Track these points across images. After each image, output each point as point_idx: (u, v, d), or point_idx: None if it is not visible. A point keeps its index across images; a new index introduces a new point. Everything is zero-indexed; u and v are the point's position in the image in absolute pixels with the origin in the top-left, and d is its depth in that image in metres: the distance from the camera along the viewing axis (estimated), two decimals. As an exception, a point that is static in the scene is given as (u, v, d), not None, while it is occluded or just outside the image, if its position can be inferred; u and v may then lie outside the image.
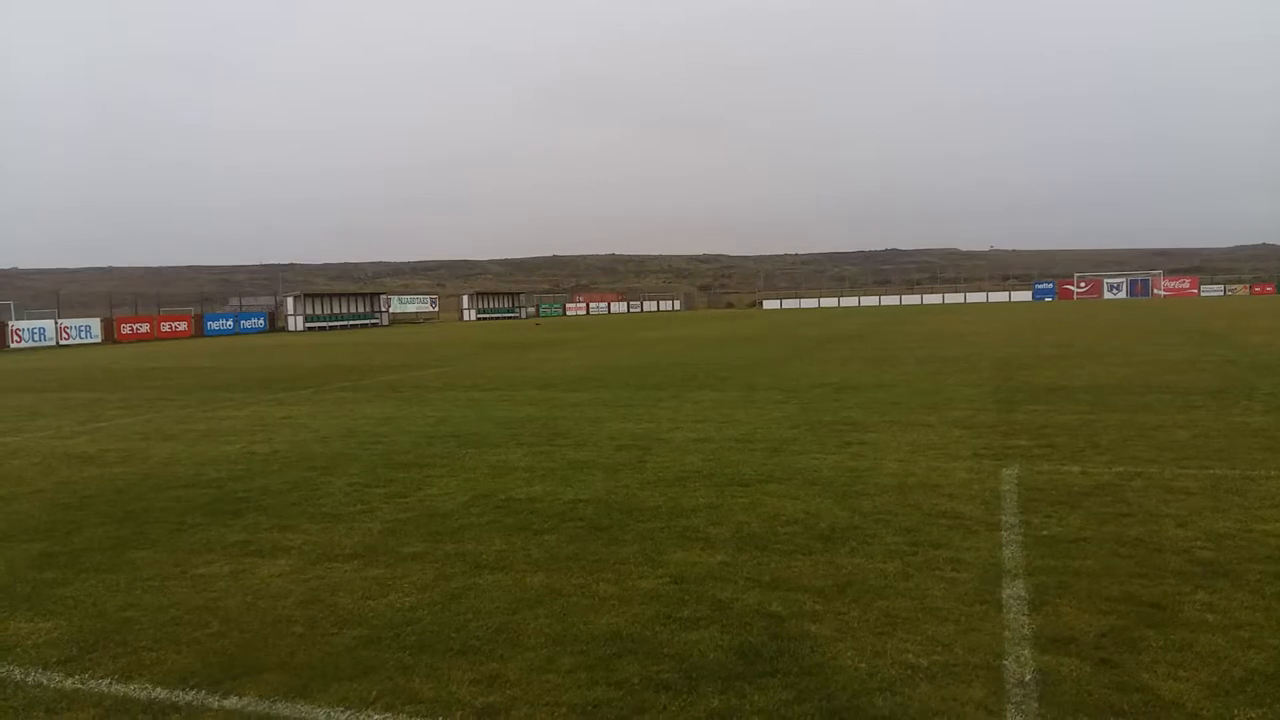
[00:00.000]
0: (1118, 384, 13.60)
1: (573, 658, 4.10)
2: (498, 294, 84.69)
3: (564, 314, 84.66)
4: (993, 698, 3.62)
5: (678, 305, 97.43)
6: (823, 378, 16.00)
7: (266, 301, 64.23)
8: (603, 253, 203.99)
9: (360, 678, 3.97)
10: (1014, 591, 4.77)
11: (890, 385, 14.41)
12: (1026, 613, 4.48)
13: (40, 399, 17.11)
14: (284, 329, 57.29)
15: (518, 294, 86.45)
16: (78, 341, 44.28)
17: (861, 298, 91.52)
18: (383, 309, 66.77)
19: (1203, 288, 79.98)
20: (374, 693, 3.82)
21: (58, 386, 19.90)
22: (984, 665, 3.91)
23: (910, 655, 4.02)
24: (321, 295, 64.55)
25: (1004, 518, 6.22)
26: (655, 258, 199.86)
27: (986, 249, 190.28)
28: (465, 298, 77.93)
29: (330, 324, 60.03)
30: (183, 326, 51.50)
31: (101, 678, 4.09)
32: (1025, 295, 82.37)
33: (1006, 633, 4.24)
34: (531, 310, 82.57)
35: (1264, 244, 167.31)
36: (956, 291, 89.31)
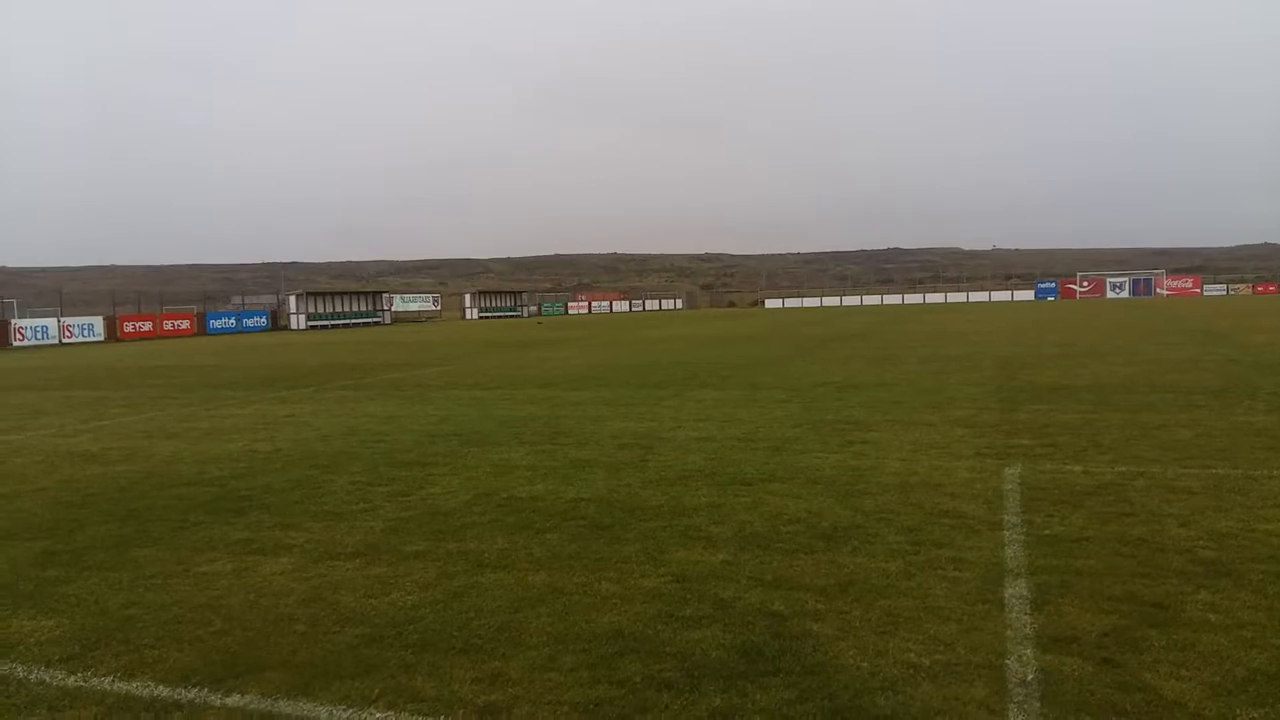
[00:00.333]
0: (1120, 383, 13.59)
1: (575, 656, 4.10)
2: (500, 293, 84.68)
3: (566, 313, 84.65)
4: (995, 697, 3.62)
5: (680, 304, 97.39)
6: (825, 377, 16.00)
7: (269, 300, 64.26)
8: (605, 252, 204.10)
9: (362, 676, 3.97)
10: (1016, 591, 4.77)
11: (892, 384, 14.40)
12: (1029, 612, 4.47)
13: (43, 397, 17.12)
14: (286, 327, 57.31)
15: (520, 293, 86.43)
16: (81, 340, 44.33)
17: (864, 297, 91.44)
18: (385, 308, 66.77)
19: (1205, 287, 79.84)
20: (376, 691, 3.82)
21: (61, 385, 19.92)
22: (986, 665, 3.91)
23: (912, 654, 4.02)
24: (324, 294, 64.56)
25: (1006, 517, 6.21)
26: (657, 256, 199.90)
27: (989, 248, 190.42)
28: (467, 296, 77.93)
29: (332, 322, 60.05)
30: (185, 325, 51.54)
31: (104, 676, 4.09)
32: (1028, 294, 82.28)
33: (1009, 632, 4.24)
34: (533, 309, 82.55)
35: (1266, 243, 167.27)
36: (959, 291, 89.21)
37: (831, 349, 23.44)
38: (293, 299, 59.67)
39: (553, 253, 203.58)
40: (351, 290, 73.39)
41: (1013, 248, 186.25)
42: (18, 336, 41.63)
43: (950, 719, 3.48)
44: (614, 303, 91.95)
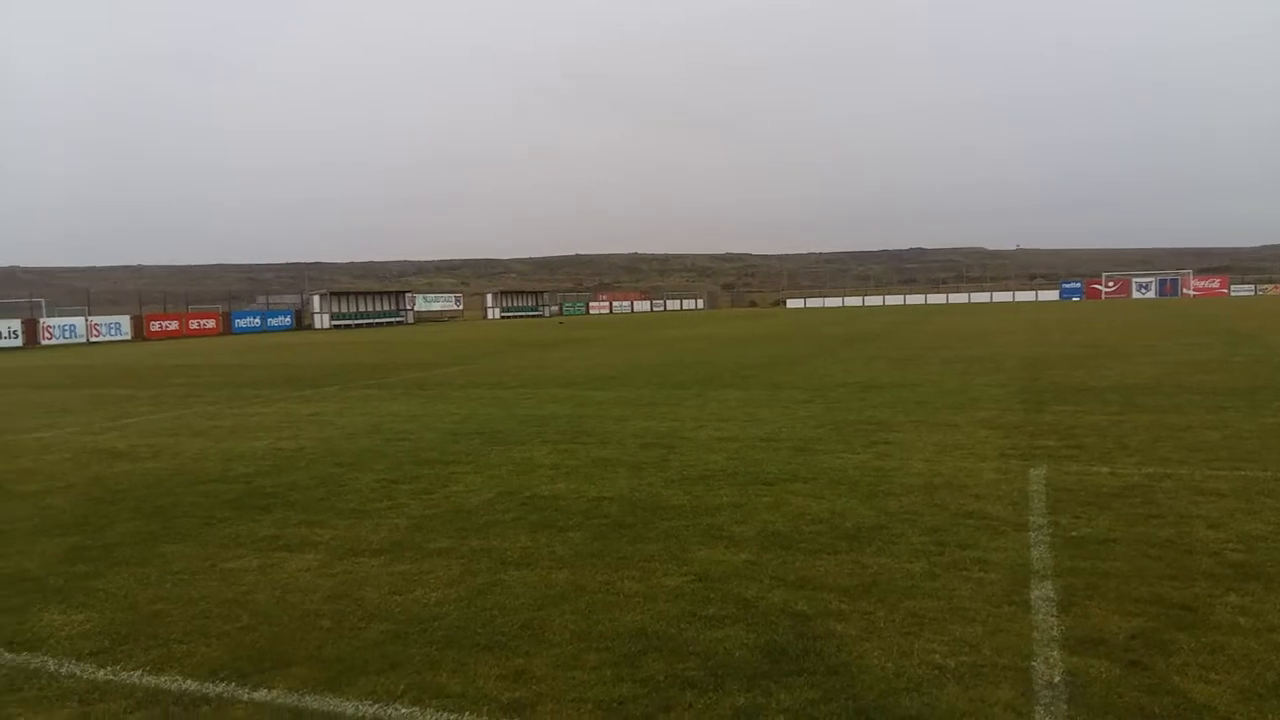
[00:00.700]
0: (1147, 384, 13.45)
1: (598, 654, 4.11)
2: (521, 292, 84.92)
3: (587, 313, 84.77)
4: (1021, 699, 3.60)
5: (701, 304, 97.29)
6: (848, 377, 15.93)
7: (293, 300, 64.74)
8: (625, 251, 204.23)
9: (387, 672, 4.00)
10: (1042, 593, 4.74)
11: (916, 385, 14.33)
12: (1055, 614, 4.44)
13: (71, 395, 17.34)
14: (310, 327, 57.73)
15: (541, 293, 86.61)
16: (108, 339, 44.83)
17: (886, 297, 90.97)
18: (408, 307, 67.10)
19: (1233, 287, 78.83)
20: (401, 687, 3.85)
21: (89, 383, 20.16)
22: (1012, 666, 3.88)
23: (937, 656, 4.00)
24: (347, 294, 64.99)
25: (1032, 518, 6.17)
26: (678, 256, 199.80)
27: (1013, 248, 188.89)
28: (489, 296, 78.20)
29: (356, 322, 60.42)
30: (211, 324, 51.99)
31: (133, 669, 4.14)
32: (1052, 295, 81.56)
33: (1035, 634, 4.21)
34: (555, 309, 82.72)
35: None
36: (982, 291, 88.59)
37: (854, 349, 23.35)
38: (317, 299, 60.07)
39: (574, 253, 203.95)
40: (375, 290, 73.80)
41: (1037, 247, 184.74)
42: (46, 335, 42.16)
43: (976, 720, 3.46)
44: (635, 303, 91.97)
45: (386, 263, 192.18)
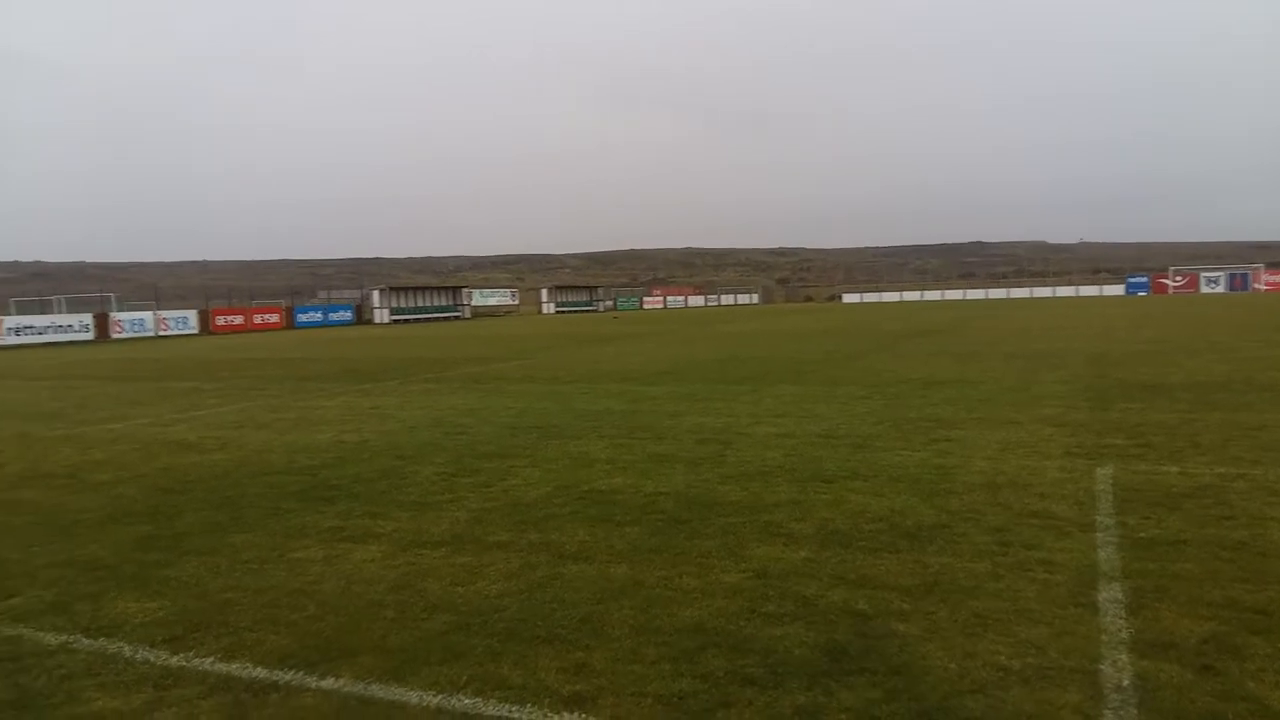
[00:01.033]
0: (1217, 382, 13.07)
1: (657, 649, 4.12)
2: (576, 287, 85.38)
3: (641, 307, 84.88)
4: (1089, 702, 3.53)
5: (755, 299, 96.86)
6: (907, 373, 15.74)
7: (353, 294, 65.87)
8: (679, 246, 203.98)
9: (450, 662, 4.06)
10: (1110, 594, 4.64)
11: (977, 381, 14.10)
12: (1124, 616, 4.35)
13: (141, 388, 17.85)
14: (370, 321, 58.66)
15: (595, 287, 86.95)
16: (175, 333, 46.05)
17: (945, 292, 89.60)
18: (464, 302, 67.86)
19: (1308, 282, 76.16)
20: (464, 678, 3.90)
21: (157, 376, 20.73)
22: (1079, 669, 3.81)
23: (1002, 657, 3.94)
24: (406, 289, 65.92)
25: (1099, 518, 6.03)
26: (732, 251, 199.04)
27: (1076, 241, 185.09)
28: (544, 291, 78.76)
29: (414, 316, 61.24)
30: (274, 318, 53.11)
31: (205, 656, 4.25)
32: (1118, 290, 79.59)
33: (1103, 636, 4.13)
34: (609, 304, 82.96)
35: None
36: (1045, 286, 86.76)
37: (912, 345, 23.05)
38: (376, 293, 61.04)
39: (628, 248, 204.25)
40: (432, 285, 74.74)
41: (1101, 241, 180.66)
42: (116, 329, 43.45)
43: (1042, 724, 3.40)
44: (689, 297, 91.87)
45: (443, 258, 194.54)
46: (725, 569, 5.22)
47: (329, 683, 3.91)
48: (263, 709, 3.70)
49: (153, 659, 4.24)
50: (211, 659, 4.21)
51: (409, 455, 9.13)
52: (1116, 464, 7.72)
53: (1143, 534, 5.66)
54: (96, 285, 73.08)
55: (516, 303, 78.02)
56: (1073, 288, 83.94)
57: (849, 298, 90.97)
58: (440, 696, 3.75)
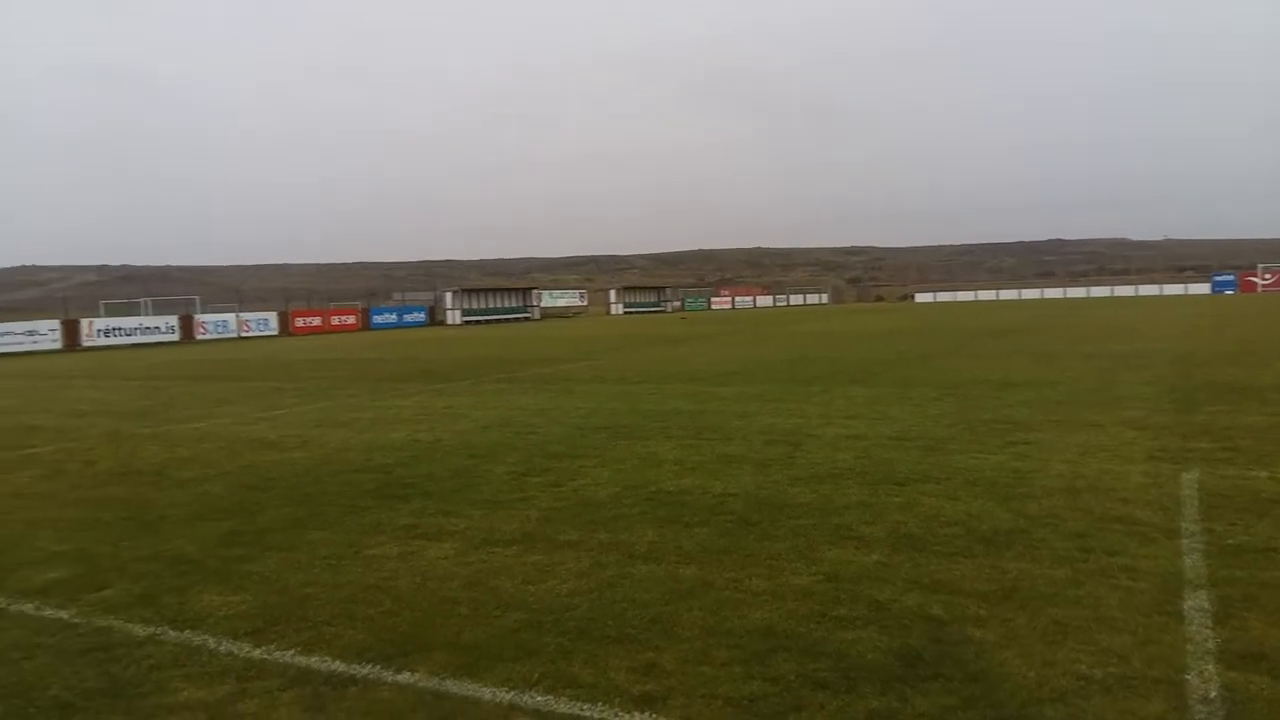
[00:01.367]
0: (1313, 384, 12.52)
1: (728, 651, 4.11)
2: (644, 288, 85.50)
3: (709, 308, 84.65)
4: (1174, 713, 3.42)
5: (825, 299, 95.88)
6: (982, 374, 15.42)
7: (427, 296, 66.94)
8: (747, 246, 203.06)
9: (523, 660, 4.10)
10: (1196, 603, 4.48)
11: (1055, 383, 13.74)
12: (1210, 626, 4.20)
13: (225, 387, 18.42)
14: (442, 323, 59.57)
15: (663, 288, 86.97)
16: (257, 334, 47.38)
17: (1021, 291, 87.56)
18: (534, 303, 68.49)
19: None
20: (536, 675, 3.94)
21: (240, 376, 21.37)
22: (1164, 679, 3.69)
23: (1083, 665, 3.84)
24: (477, 290, 66.82)
25: (1184, 524, 5.84)
26: (801, 250, 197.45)
27: (1159, 238, 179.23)
28: (612, 292, 79.05)
29: (485, 318, 62.04)
30: (350, 320, 54.29)
31: (285, 649, 4.36)
32: (1203, 288, 76.83)
33: (1189, 646, 3.99)
34: (677, 304, 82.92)
35: None
36: (1126, 284, 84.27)
37: (988, 345, 22.57)
38: (449, 295, 61.96)
39: (695, 248, 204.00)
40: (503, 287, 75.64)
41: (1186, 238, 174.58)
42: (201, 330, 44.90)
43: (1126, 735, 3.31)
44: (757, 298, 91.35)
45: (513, 260, 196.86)
46: (795, 571, 5.18)
47: (405, 677, 3.99)
48: (341, 702, 3.78)
49: (235, 651, 4.37)
50: (291, 652, 4.33)
51: (481, 454, 9.26)
52: (1202, 468, 7.45)
53: (1230, 541, 5.46)
54: (182, 288, 75.70)
55: (585, 303, 78.47)
56: (1156, 286, 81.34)
57: (922, 297, 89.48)
58: (513, 693, 3.79)
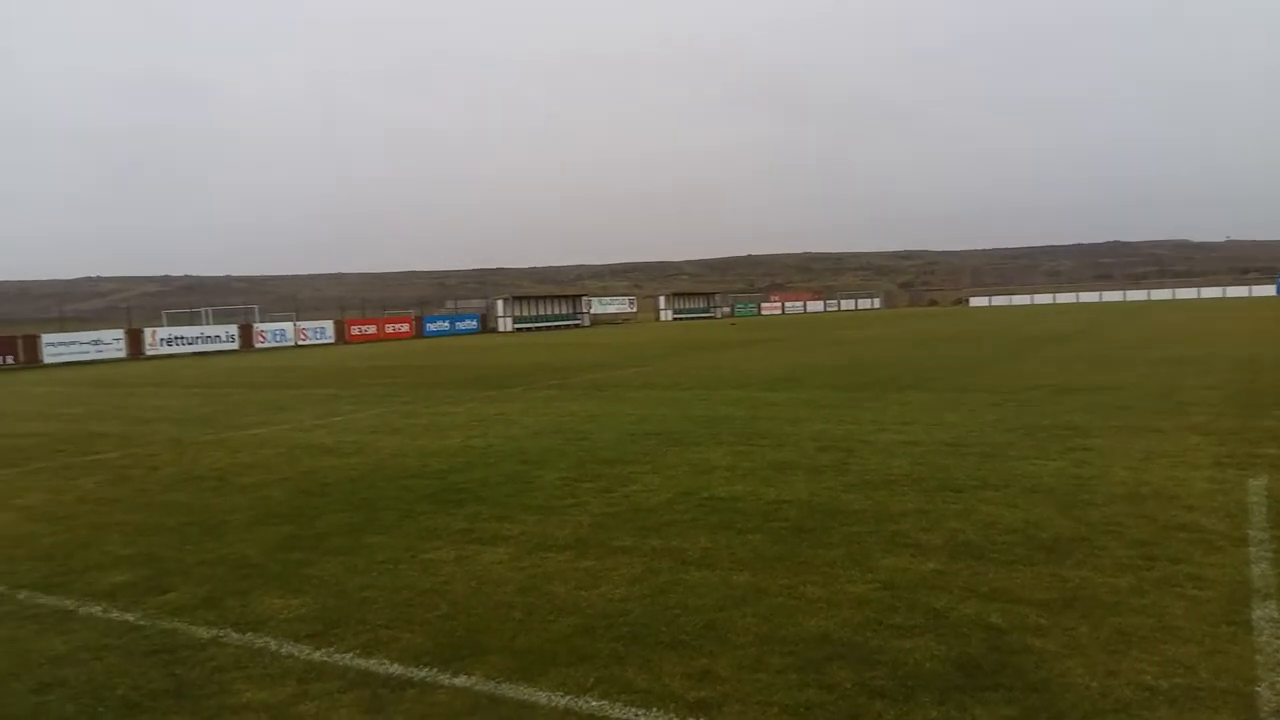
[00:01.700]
0: (1389, 388, 12.09)
1: (782, 658, 4.09)
2: (693, 294, 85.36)
3: (759, 313, 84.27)
4: (1246, 728, 3.32)
5: (877, 303, 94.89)
6: (1039, 379, 15.14)
7: (479, 304, 67.64)
8: (797, 251, 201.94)
9: (577, 664, 4.12)
10: (1266, 613, 4.35)
11: (1116, 388, 13.45)
12: (1282, 637, 4.08)
13: (283, 395, 18.77)
14: (494, 330, 60.11)
15: (713, 294, 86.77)
16: (313, 342, 48.22)
17: (1079, 294, 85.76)
18: (584, 310, 68.79)
19: None
20: (591, 680, 3.95)
21: (298, 383, 21.77)
22: (1233, 691, 3.59)
23: (1148, 676, 3.75)
24: (528, 298, 67.32)
25: (1252, 532, 5.67)
26: (852, 255, 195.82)
27: (1222, 240, 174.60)
28: (662, 298, 79.06)
29: (536, 325, 62.45)
30: (404, 328, 54.99)
31: (345, 652, 4.43)
32: (1268, 290, 74.59)
33: (1258, 657, 3.88)
34: (726, 310, 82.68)
35: None
36: (1188, 287, 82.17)
37: (1045, 350, 22.17)
38: (500, 303, 62.49)
39: (744, 253, 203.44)
40: (553, 294, 76.09)
41: (1250, 239, 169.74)
42: (259, 339, 45.81)
43: (1194, 749, 3.22)
44: (808, 303, 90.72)
45: (563, 267, 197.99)
46: (850, 579, 5.13)
47: (461, 680, 4.03)
48: (399, 704, 3.83)
49: (296, 653, 4.45)
50: (351, 654, 4.39)
51: (533, 460, 9.32)
52: (1270, 474, 7.24)
53: (1304, 550, 5.29)
54: (241, 297, 77.41)
55: (634, 310, 78.60)
56: (1219, 288, 79.22)
57: (976, 301, 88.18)
58: (568, 698, 3.81)
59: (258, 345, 45.30)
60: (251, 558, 6.14)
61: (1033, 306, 73.20)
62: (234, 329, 45.56)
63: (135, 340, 40.53)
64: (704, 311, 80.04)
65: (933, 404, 12.48)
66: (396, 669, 4.19)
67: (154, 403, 18.32)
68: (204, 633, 4.77)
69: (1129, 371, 15.76)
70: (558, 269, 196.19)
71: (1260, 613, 4.37)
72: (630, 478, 8.21)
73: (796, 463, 8.59)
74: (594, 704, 3.75)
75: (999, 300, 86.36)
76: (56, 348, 37.41)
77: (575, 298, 70.90)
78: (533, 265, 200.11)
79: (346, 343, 49.21)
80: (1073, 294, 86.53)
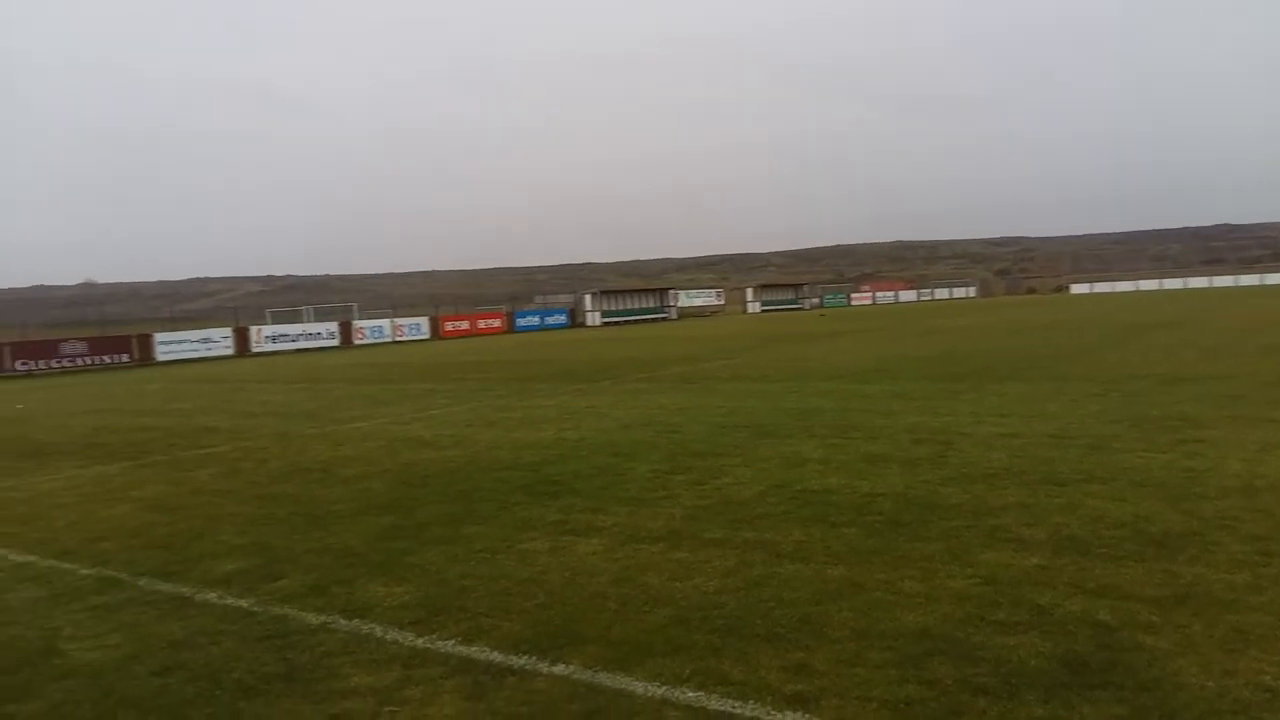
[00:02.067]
0: None
1: (881, 653, 4.04)
2: (781, 286, 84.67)
3: (849, 304, 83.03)
4: (1378, 734, 3.16)
5: (972, 292, 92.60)
6: (1146, 368, 14.57)
7: (567, 299, 68.30)
8: (888, 240, 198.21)
9: (672, 655, 4.15)
10: (1399, 614, 4.12)
11: (1229, 377, 12.85)
12: None
13: (382, 389, 19.30)
14: (583, 324, 60.62)
15: (801, 285, 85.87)
16: (410, 338, 49.44)
17: (1187, 280, 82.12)
18: (671, 303, 68.86)
19: None
20: (687, 671, 3.97)
21: (396, 378, 22.35)
22: (1364, 696, 3.41)
23: (1268, 677, 3.59)
24: (616, 292, 67.69)
25: (1384, 529, 5.37)
26: (946, 243, 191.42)
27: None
28: (749, 290, 78.62)
29: (624, 319, 62.79)
30: (496, 324, 55.94)
31: (446, 639, 4.55)
32: (1400, 271, 70.21)
33: (1391, 661, 3.68)
34: (815, 301, 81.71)
35: None
36: (1307, 269, 77.80)
37: (1151, 337, 21.31)
38: (588, 297, 63.03)
39: (833, 243, 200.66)
40: (640, 288, 76.35)
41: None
42: (359, 336, 47.18)
43: (1321, 754, 3.08)
44: (900, 292, 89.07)
45: (649, 260, 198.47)
46: (950, 574, 5.04)
47: (560, 669, 4.10)
48: (500, 690, 3.92)
49: (400, 640, 4.58)
50: (452, 642, 4.51)
51: (624, 453, 9.39)
52: (1405, 468, 6.83)
53: None
54: (340, 296, 79.80)
55: (721, 302, 78.31)
56: (1343, 271, 74.83)
57: (1077, 288, 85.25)
58: (665, 688, 3.84)
59: (357, 342, 46.63)
60: (356, 547, 6.33)
61: (1138, 293, 70.39)
62: (334, 326, 47.00)
63: (242, 338, 42.17)
64: (792, 303, 79.29)
65: (1032, 395, 12.13)
66: (496, 656, 4.28)
67: (260, 398, 19.03)
68: (313, 619, 4.94)
69: (1242, 360, 15.05)
70: (644, 262, 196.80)
71: (1392, 613, 4.14)
72: (721, 470, 8.21)
73: (891, 455, 8.46)
74: (690, 695, 3.77)
75: (1101, 287, 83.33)
76: (168, 346, 39.22)
77: (662, 291, 71.04)
78: (619, 259, 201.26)
79: (441, 338, 50.29)
80: (1180, 279, 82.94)
